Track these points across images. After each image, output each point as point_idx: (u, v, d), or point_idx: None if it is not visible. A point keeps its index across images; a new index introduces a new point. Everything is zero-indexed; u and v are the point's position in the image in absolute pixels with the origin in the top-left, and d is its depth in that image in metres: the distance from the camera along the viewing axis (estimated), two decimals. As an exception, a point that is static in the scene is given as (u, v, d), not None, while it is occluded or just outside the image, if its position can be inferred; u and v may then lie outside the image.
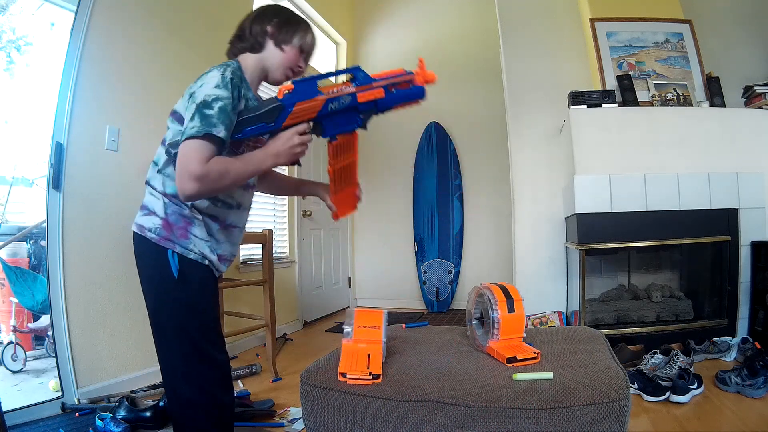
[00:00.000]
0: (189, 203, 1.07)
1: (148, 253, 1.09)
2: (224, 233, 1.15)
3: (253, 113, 1.00)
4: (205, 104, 0.98)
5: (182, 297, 1.09)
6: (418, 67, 1.02)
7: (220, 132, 0.97)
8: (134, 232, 1.12)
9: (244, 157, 1.04)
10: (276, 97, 1.00)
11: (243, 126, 1.00)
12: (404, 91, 1.01)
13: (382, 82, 1.00)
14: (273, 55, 1.14)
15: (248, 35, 1.15)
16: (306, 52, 1.18)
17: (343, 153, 1.08)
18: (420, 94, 1.01)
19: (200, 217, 1.10)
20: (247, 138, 1.03)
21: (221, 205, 1.12)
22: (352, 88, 0.99)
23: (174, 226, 1.07)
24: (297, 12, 1.23)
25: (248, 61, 1.15)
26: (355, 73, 0.99)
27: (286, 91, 0.98)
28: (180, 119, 1.06)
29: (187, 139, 0.96)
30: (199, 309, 1.11)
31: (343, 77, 1.01)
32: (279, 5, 1.23)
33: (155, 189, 1.10)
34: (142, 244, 1.10)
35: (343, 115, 1.01)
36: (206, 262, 1.12)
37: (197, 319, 1.11)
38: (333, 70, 4.48)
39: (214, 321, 1.18)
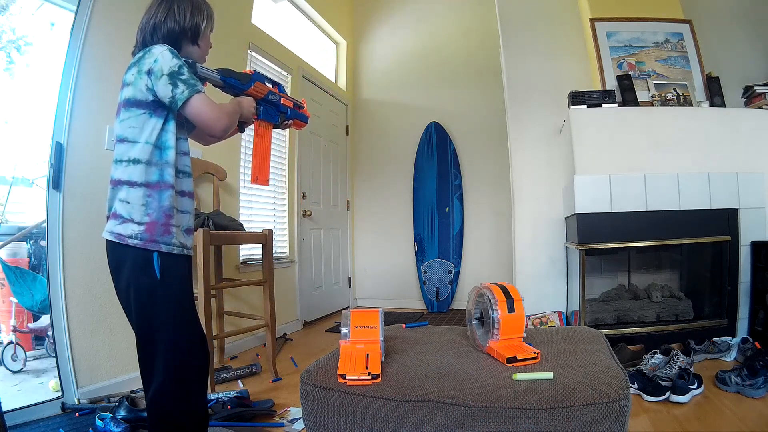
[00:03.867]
0: (170, 181, 1.15)
1: (131, 260, 1.12)
2: (189, 203, 1.24)
3: (236, 72, 1.28)
4: (176, 72, 1.11)
5: (167, 297, 1.15)
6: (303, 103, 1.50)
7: (202, 89, 1.15)
8: (110, 240, 1.14)
9: (227, 104, 1.24)
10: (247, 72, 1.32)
11: (226, 75, 1.26)
12: (299, 113, 1.46)
13: (292, 100, 1.44)
14: (193, 52, 1.26)
15: (164, 33, 1.19)
16: (213, 31, 1.32)
17: (262, 134, 1.39)
18: (306, 119, 1.50)
19: (177, 204, 1.18)
20: (226, 84, 1.26)
21: (182, 175, 1.22)
22: (280, 94, 1.40)
23: (157, 224, 1.12)
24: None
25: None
26: (280, 86, 1.41)
27: (251, 72, 1.32)
28: (137, 103, 1.13)
29: (187, 100, 1.11)
30: (184, 306, 1.19)
31: (270, 84, 1.38)
32: None
33: (138, 184, 1.12)
34: (122, 252, 1.13)
35: (270, 108, 1.38)
36: (185, 252, 1.20)
37: (182, 315, 1.19)
38: (332, 70, 4.47)
39: (195, 315, 1.26)
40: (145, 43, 1.20)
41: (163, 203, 1.14)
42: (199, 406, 1.23)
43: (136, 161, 1.12)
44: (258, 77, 1.32)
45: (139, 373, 1.18)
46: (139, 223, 1.11)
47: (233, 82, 1.26)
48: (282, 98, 1.40)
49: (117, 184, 1.13)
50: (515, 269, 3.00)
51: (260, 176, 1.37)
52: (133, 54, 1.21)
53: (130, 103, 1.13)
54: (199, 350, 1.23)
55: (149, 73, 1.10)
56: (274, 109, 1.38)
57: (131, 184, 1.12)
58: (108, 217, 1.16)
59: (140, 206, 1.11)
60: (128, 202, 1.12)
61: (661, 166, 2.44)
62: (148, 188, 1.12)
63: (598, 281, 2.75)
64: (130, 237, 1.11)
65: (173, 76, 1.10)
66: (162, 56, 1.11)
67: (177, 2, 1.21)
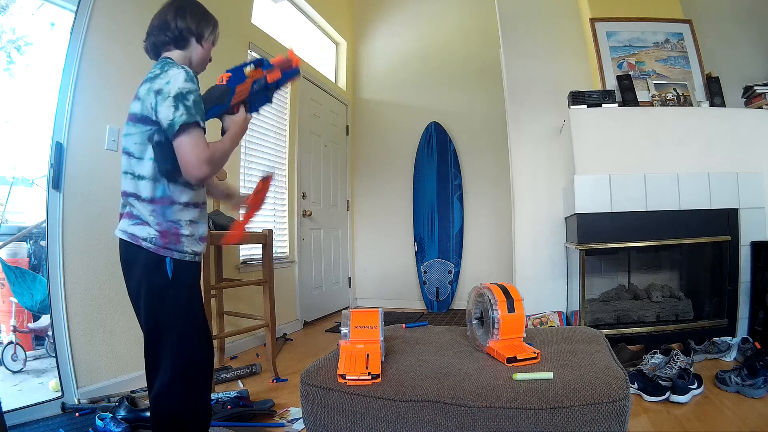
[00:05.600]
0: (173, 198, 1.14)
1: (144, 261, 1.14)
2: (200, 213, 1.23)
3: (211, 96, 1.16)
4: (182, 96, 1.07)
5: (178, 297, 1.16)
6: (288, 55, 1.31)
7: (202, 122, 1.10)
8: (123, 239, 1.16)
9: (223, 139, 1.18)
10: (221, 84, 1.18)
11: (206, 107, 1.16)
12: (289, 72, 1.30)
13: (278, 66, 1.27)
14: (196, 52, 1.25)
15: (173, 29, 1.20)
16: (215, 45, 1.32)
17: (259, 196, 1.34)
18: (297, 72, 1.32)
19: (186, 216, 1.17)
20: (213, 116, 1.18)
21: (197, 186, 1.20)
22: (263, 72, 1.24)
23: (168, 233, 1.14)
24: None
25: (175, 56, 1.21)
26: (263, 62, 1.24)
27: (227, 78, 1.17)
28: (143, 119, 1.12)
29: (180, 129, 1.06)
30: (193, 307, 1.22)
31: (251, 66, 1.22)
32: None
33: (144, 199, 1.13)
34: (134, 252, 1.14)
35: (259, 94, 1.24)
36: (197, 259, 1.22)
37: (191, 316, 1.21)
38: (332, 70, 4.45)
39: (204, 317, 1.28)
40: (155, 43, 1.21)
41: (168, 218, 1.14)
42: (202, 406, 1.24)
43: (140, 177, 1.13)
44: (234, 81, 1.18)
45: (144, 372, 1.20)
46: (154, 228, 1.13)
47: (216, 111, 1.17)
48: (268, 76, 1.26)
49: (126, 195, 1.16)
50: (515, 269, 3.00)
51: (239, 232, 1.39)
52: (146, 51, 1.23)
53: (138, 119, 1.13)
54: (204, 351, 1.25)
55: (158, 93, 1.09)
56: (263, 93, 1.26)
57: (137, 197, 1.14)
58: (121, 215, 1.18)
59: (149, 216, 1.13)
60: (141, 210, 1.14)
61: (661, 166, 2.44)
62: (152, 204, 1.13)
63: (598, 281, 2.75)
64: (145, 240, 1.12)
65: (178, 98, 1.07)
66: (175, 78, 1.09)
67: (189, 5, 1.23)
